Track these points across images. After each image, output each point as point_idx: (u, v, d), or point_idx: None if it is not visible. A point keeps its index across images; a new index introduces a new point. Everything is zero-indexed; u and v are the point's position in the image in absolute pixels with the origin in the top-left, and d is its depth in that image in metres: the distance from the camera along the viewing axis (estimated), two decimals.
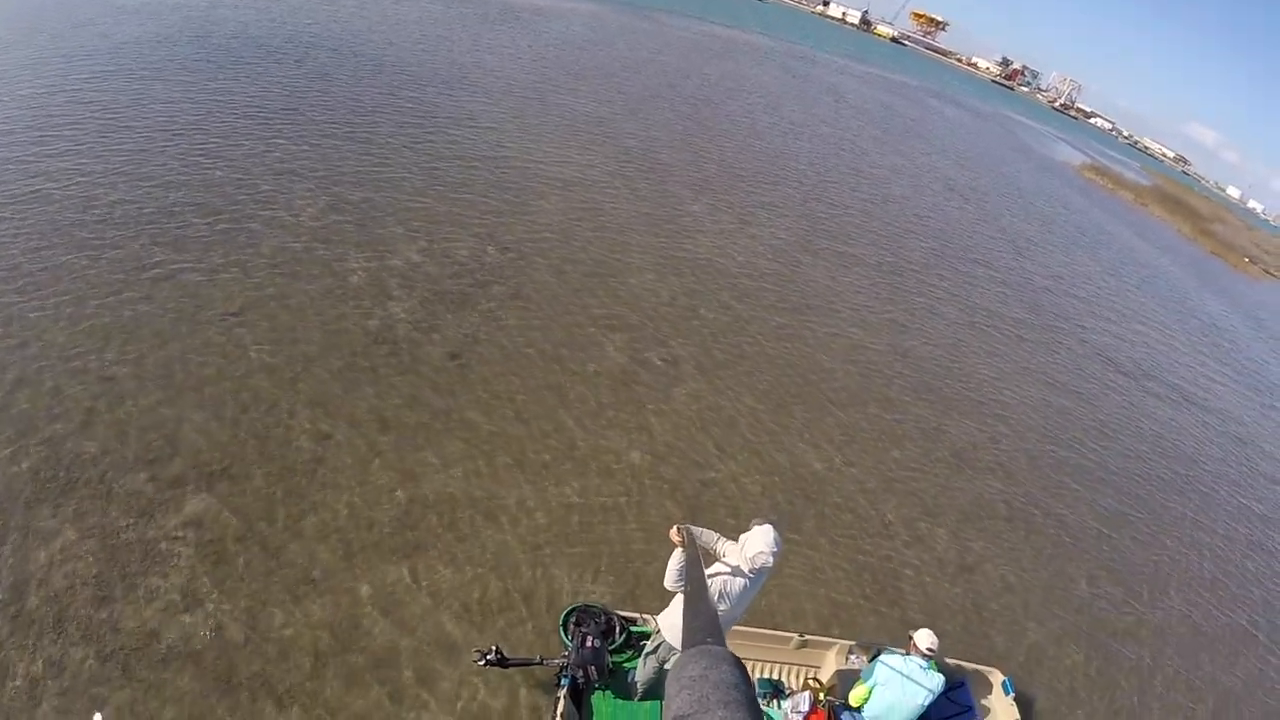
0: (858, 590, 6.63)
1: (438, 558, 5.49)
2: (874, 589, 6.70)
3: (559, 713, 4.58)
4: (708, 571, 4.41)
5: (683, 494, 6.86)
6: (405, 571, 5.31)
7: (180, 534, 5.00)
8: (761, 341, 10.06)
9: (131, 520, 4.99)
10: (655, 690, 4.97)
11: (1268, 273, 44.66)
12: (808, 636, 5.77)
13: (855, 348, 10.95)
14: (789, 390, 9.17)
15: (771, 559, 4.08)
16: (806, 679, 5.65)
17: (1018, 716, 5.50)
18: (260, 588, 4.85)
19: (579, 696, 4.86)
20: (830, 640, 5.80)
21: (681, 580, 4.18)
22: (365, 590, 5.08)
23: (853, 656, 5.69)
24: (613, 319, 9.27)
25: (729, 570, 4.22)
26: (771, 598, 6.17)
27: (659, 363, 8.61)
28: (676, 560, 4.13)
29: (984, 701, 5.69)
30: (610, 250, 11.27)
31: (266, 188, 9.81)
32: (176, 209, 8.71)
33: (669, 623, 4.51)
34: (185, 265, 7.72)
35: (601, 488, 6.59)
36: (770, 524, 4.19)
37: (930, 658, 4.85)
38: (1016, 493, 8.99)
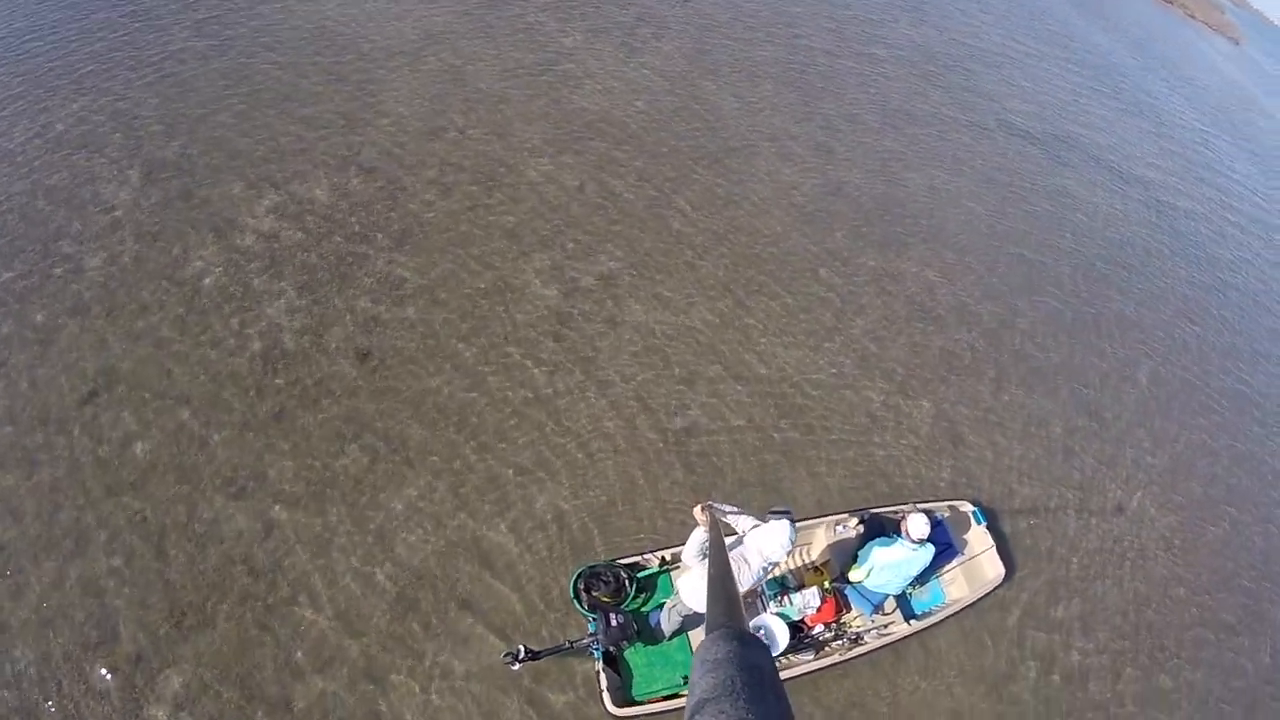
0: (848, 476, 6.92)
1: (449, 639, 5.17)
2: (863, 471, 7.01)
3: (604, 686, 4.83)
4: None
5: (667, 447, 6.60)
6: (425, 669, 4.99)
7: None
8: (692, 217, 9.19)
9: None
10: (681, 629, 5.28)
11: None
12: (797, 523, 6.10)
13: (788, 195, 10.19)
14: (737, 278, 8.56)
15: (784, 556, 4.16)
16: (803, 567, 6.05)
17: (991, 542, 6.16)
18: None
19: (613, 660, 5.10)
20: (817, 519, 6.11)
21: (701, 556, 4.30)
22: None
23: (840, 528, 6.06)
24: (524, 236, 8.14)
25: (743, 554, 4.29)
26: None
27: (592, 285, 7.75)
28: (699, 537, 4.31)
29: (959, 534, 6.33)
30: (492, 136, 9.60)
31: (62, 180, 7.45)
32: None
33: (688, 587, 4.67)
34: (7, 346, 5.99)
35: (584, 470, 6.27)
36: (789, 520, 4.23)
37: (921, 543, 5.23)
38: (976, 331, 9.08)
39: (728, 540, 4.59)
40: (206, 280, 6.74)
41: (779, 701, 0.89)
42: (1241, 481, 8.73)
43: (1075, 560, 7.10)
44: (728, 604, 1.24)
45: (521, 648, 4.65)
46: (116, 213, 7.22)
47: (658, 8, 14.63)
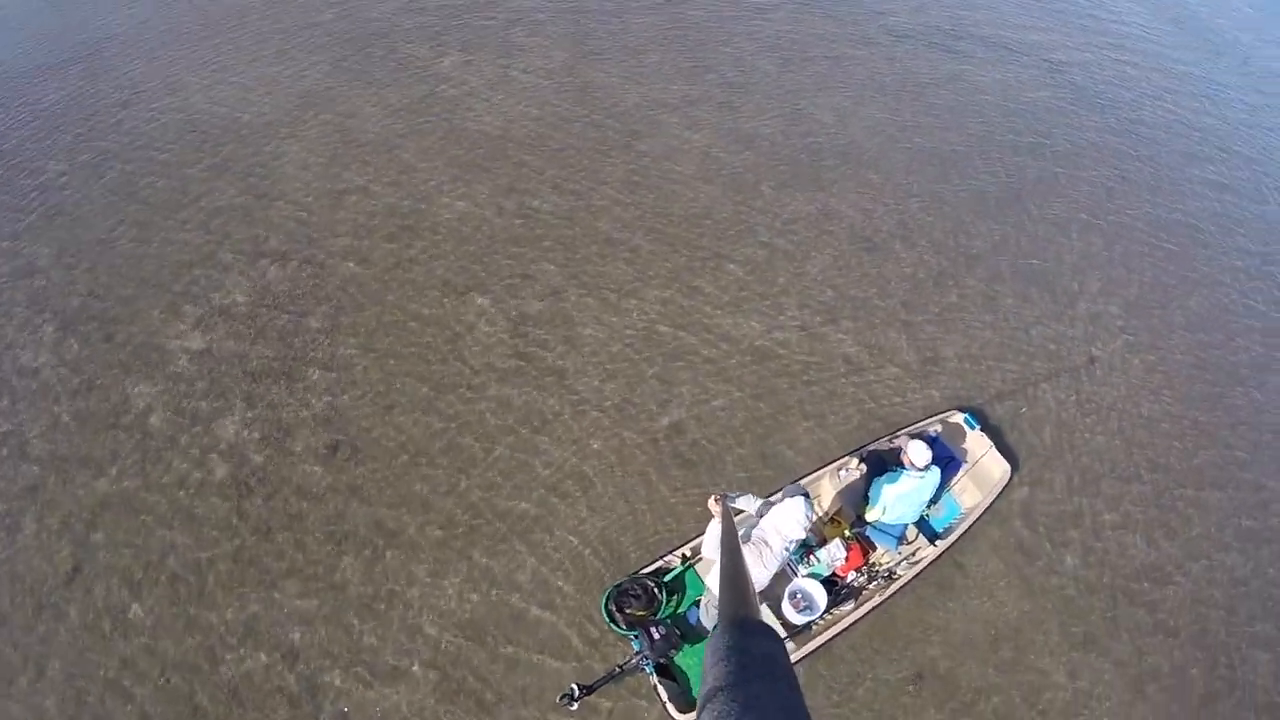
0: (838, 419, 7.00)
1: (511, 693, 5.12)
2: (849, 409, 7.06)
3: (664, 698, 4.86)
4: (742, 532, 4.52)
5: (664, 437, 6.56)
6: None
7: None
8: (617, 209, 9.04)
9: None
10: None
11: None
12: (800, 481, 6.15)
13: (704, 161, 10.07)
14: (678, 257, 8.45)
15: (803, 531, 4.18)
16: (820, 521, 6.09)
17: (990, 443, 6.30)
18: None
19: (666, 669, 5.13)
20: (819, 470, 6.16)
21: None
22: None
23: (843, 473, 6.13)
24: (459, 273, 7.95)
25: (763, 538, 4.30)
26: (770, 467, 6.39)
27: (539, 302, 7.62)
28: (716, 528, 4.39)
29: (958, 445, 6.46)
30: (396, 182, 9.29)
31: None
32: None
33: (716, 580, 4.67)
34: None
35: (587, 487, 6.22)
36: (802, 496, 4.23)
37: (926, 468, 5.32)
38: (915, 239, 9.08)
39: (744, 527, 4.61)
40: (153, 418, 6.47)
41: (790, 688, 0.90)
42: (1201, 305, 8.99)
43: (1068, 429, 7.32)
44: (737, 594, 1.24)
45: (575, 686, 4.65)
46: (43, 375, 6.88)
47: (524, 4, 14.26)
